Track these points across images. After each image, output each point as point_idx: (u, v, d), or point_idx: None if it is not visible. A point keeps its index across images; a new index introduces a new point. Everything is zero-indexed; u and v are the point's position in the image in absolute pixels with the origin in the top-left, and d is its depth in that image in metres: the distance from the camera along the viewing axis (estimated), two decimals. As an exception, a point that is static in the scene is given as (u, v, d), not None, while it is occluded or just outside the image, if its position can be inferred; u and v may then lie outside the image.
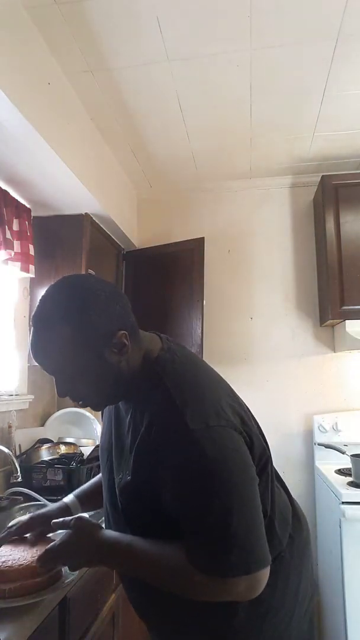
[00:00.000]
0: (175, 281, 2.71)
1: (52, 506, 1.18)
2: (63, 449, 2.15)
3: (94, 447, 2.20)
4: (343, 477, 2.21)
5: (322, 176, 2.54)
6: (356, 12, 1.59)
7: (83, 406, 0.97)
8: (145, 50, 1.76)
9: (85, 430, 2.51)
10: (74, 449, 2.17)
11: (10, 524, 1.25)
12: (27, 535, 1.09)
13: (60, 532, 1.00)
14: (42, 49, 1.71)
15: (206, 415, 0.85)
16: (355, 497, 1.97)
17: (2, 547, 1.06)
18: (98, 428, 2.49)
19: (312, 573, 1.07)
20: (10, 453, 1.84)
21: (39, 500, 1.70)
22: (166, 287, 2.73)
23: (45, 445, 2.13)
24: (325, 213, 2.48)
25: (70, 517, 0.97)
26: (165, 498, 0.84)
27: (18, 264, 2.00)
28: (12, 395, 2.11)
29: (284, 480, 1.10)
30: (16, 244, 2.00)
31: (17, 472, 1.80)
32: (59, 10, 1.56)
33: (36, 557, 0.98)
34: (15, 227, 2.02)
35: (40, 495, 1.72)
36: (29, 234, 2.09)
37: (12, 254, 1.94)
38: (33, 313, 0.92)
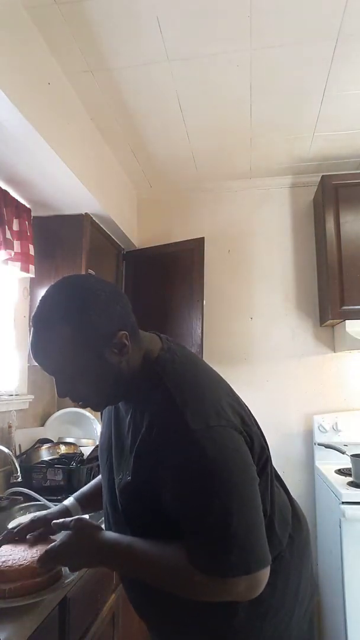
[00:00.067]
0: (175, 281, 2.71)
1: (52, 509, 1.18)
2: (63, 449, 2.15)
3: (94, 447, 2.20)
4: (343, 477, 2.21)
5: (322, 176, 2.54)
6: (356, 12, 1.59)
7: (83, 406, 0.97)
8: (145, 50, 1.76)
9: (85, 430, 2.51)
10: (74, 449, 2.17)
11: (11, 526, 1.25)
12: (28, 536, 1.09)
13: (61, 534, 1.00)
14: (42, 49, 1.71)
15: (207, 415, 0.85)
16: (355, 497, 1.97)
17: (2, 547, 1.06)
18: (98, 428, 2.49)
19: (312, 573, 1.07)
20: (10, 453, 1.84)
21: (39, 500, 1.69)
22: (166, 287, 2.73)
23: (45, 445, 2.13)
24: (325, 213, 2.48)
25: (70, 519, 0.97)
26: (165, 498, 0.84)
27: (18, 264, 2.01)
28: (12, 395, 2.11)
29: (283, 480, 1.10)
30: (16, 244, 2.00)
31: (17, 472, 1.80)
32: (59, 10, 1.56)
33: (36, 558, 0.98)
34: (15, 227, 2.02)
35: (40, 495, 1.72)
36: (29, 234, 2.09)
37: (12, 254, 1.94)
38: (33, 313, 0.92)
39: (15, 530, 1.11)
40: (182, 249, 2.73)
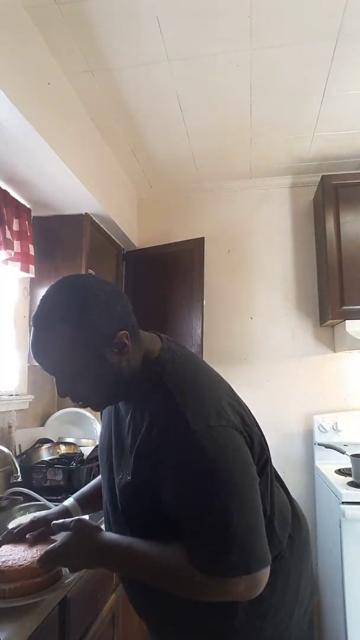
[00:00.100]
0: (175, 281, 2.71)
1: (52, 510, 1.18)
2: (63, 449, 2.15)
3: (94, 447, 2.20)
4: (343, 477, 2.21)
5: (322, 176, 2.54)
6: (356, 12, 1.59)
7: (83, 406, 0.97)
8: (145, 50, 1.76)
9: (85, 430, 2.51)
10: (74, 449, 2.17)
11: (11, 526, 1.25)
12: (28, 535, 1.09)
13: (61, 534, 1.00)
14: (42, 49, 1.71)
15: (207, 415, 0.85)
16: (355, 497, 1.97)
17: (2, 547, 1.06)
18: (98, 428, 2.49)
19: (311, 573, 1.07)
20: (10, 453, 1.84)
21: (39, 500, 1.69)
22: (166, 287, 2.73)
23: (45, 445, 2.13)
24: (325, 213, 2.48)
25: (70, 519, 0.97)
26: (165, 498, 0.84)
27: (18, 264, 2.00)
28: (12, 395, 2.11)
29: (284, 480, 1.10)
30: (16, 244, 2.00)
31: (17, 472, 1.80)
32: (59, 10, 1.56)
33: (36, 558, 0.98)
34: (15, 227, 2.02)
35: (40, 495, 1.72)
36: (29, 234, 2.09)
37: (12, 254, 1.94)
38: (33, 313, 0.92)
39: (15, 530, 1.11)
40: (182, 249, 2.73)
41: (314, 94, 2.05)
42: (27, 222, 2.09)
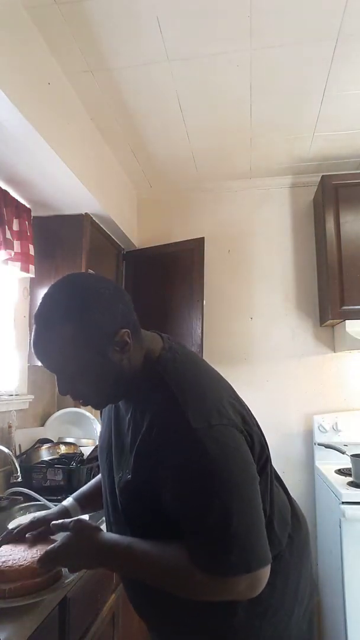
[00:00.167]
0: (175, 281, 2.71)
1: (52, 510, 1.18)
2: (63, 449, 2.15)
3: (94, 447, 2.20)
4: (343, 477, 2.21)
5: (322, 176, 2.54)
6: (356, 12, 1.59)
7: (84, 404, 0.97)
8: (145, 50, 1.76)
9: (85, 430, 2.51)
10: (74, 449, 2.17)
11: (11, 526, 1.25)
12: (27, 535, 1.09)
13: (61, 534, 1.00)
14: (42, 49, 1.71)
15: (208, 414, 0.85)
16: (355, 497, 1.97)
17: (2, 547, 1.06)
18: (98, 428, 2.49)
19: (311, 573, 1.07)
20: (10, 453, 1.84)
21: (39, 500, 1.69)
22: (166, 287, 2.73)
23: (45, 445, 2.13)
24: (325, 213, 2.48)
25: (69, 520, 0.97)
26: (165, 498, 0.84)
27: (18, 264, 2.00)
28: (12, 395, 2.11)
29: (284, 480, 1.10)
30: (16, 244, 2.00)
31: (17, 472, 1.80)
32: (59, 10, 1.56)
33: (36, 558, 0.98)
34: (15, 227, 2.02)
35: (40, 495, 1.72)
36: (29, 234, 2.09)
37: (12, 254, 1.94)
38: (35, 312, 0.92)
39: (15, 530, 1.11)
40: (182, 249, 2.73)
41: (314, 94, 2.05)
42: (27, 222, 2.09)
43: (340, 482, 2.12)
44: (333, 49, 1.77)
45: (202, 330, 2.58)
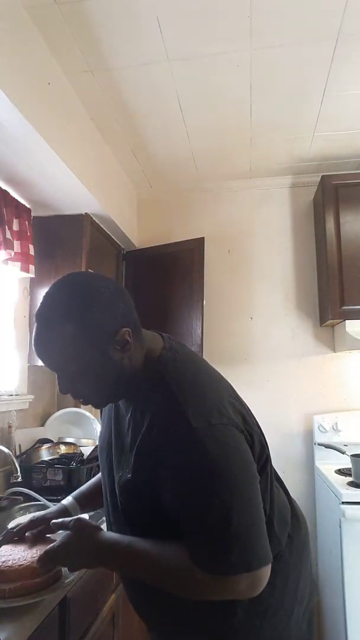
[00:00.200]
0: (175, 281, 2.71)
1: (51, 509, 1.18)
2: (63, 449, 2.15)
3: (94, 447, 2.20)
4: (343, 477, 2.21)
5: (322, 176, 2.54)
6: (356, 12, 1.59)
7: (84, 404, 0.97)
8: (145, 50, 1.76)
9: (85, 430, 2.51)
10: (74, 449, 2.17)
11: (11, 526, 1.25)
12: (27, 534, 1.09)
13: (61, 533, 1.00)
14: (42, 49, 1.71)
15: (208, 414, 0.85)
16: (355, 497, 1.97)
17: (2, 547, 1.06)
18: (98, 428, 2.49)
19: (311, 573, 1.07)
20: (10, 453, 1.84)
21: (39, 500, 1.69)
22: (166, 287, 2.73)
23: (45, 445, 2.13)
24: (325, 213, 2.48)
25: (69, 518, 0.97)
26: (165, 498, 0.84)
27: (18, 264, 2.01)
28: (12, 395, 2.11)
29: (283, 480, 1.10)
30: (16, 244, 2.00)
31: (17, 472, 1.80)
32: (59, 10, 1.56)
33: (36, 558, 0.98)
34: (15, 227, 2.02)
35: (40, 495, 1.72)
36: (29, 234, 2.09)
37: (12, 254, 1.94)
38: (36, 311, 0.92)
39: (15, 530, 1.11)
40: (182, 249, 2.73)
41: (314, 94, 2.05)
42: (27, 222, 2.09)
43: (340, 482, 2.12)
44: (333, 49, 1.77)
45: (202, 330, 2.58)
